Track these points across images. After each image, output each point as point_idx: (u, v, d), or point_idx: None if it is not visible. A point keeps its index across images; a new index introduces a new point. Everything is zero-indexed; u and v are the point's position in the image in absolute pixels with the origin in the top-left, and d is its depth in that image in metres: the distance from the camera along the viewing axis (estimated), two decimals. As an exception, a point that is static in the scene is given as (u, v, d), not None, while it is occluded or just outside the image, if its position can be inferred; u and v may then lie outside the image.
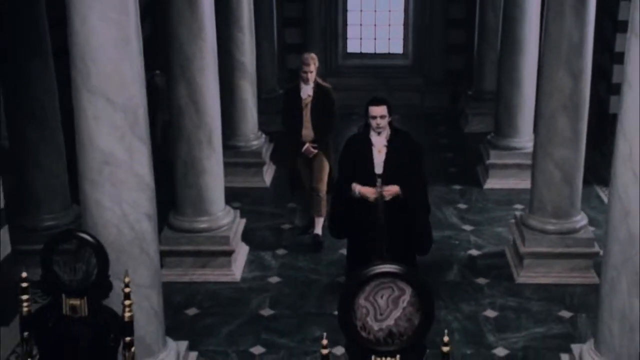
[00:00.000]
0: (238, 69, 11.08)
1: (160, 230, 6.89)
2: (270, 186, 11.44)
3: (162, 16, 8.72)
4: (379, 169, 7.53)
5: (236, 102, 11.16)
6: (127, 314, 4.84)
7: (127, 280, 4.82)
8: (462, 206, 10.71)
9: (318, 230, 9.55)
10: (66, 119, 8.39)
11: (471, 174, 11.75)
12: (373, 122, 7.50)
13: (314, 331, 7.69)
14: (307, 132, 9.48)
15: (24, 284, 4.85)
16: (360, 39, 15.80)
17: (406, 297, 4.16)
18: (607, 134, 11.28)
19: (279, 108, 10.47)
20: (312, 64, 9.37)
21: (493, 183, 11.27)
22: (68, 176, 8.84)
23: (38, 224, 8.61)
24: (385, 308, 4.14)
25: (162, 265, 6.67)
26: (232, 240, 8.76)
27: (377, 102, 7.54)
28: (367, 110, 7.56)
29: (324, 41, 15.23)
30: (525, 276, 8.65)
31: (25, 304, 4.87)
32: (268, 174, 11.62)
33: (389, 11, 15.67)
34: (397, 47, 15.78)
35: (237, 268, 8.89)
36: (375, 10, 15.67)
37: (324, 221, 9.41)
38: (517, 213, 9.34)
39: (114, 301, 5.17)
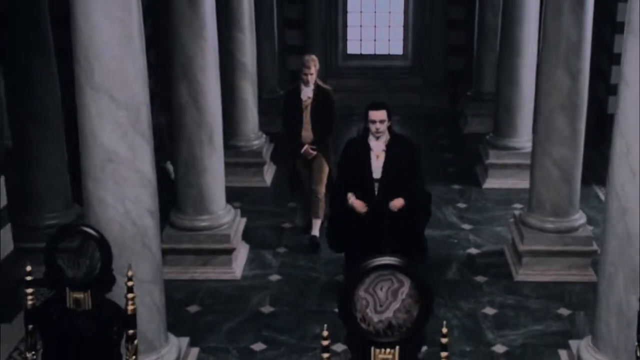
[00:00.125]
0: (239, 69, 11.14)
1: (161, 228, 6.95)
2: (270, 186, 11.50)
3: (163, 16, 8.79)
4: (377, 173, 7.55)
5: (237, 102, 11.23)
6: (130, 307, 4.90)
7: (130, 273, 4.88)
8: (462, 205, 10.77)
9: (315, 231, 9.59)
10: (68, 119, 8.48)
11: (470, 174, 11.81)
12: (372, 127, 7.51)
13: (314, 328, 7.74)
14: (307, 133, 9.52)
15: (29, 278, 4.90)
16: (360, 40, 15.85)
17: (405, 289, 4.22)
18: (606, 134, 11.33)
19: (279, 109, 10.54)
20: (313, 66, 9.40)
21: (492, 183, 11.32)
22: (69, 175, 8.94)
23: (40, 222, 8.67)
24: (385, 300, 4.20)
25: (163, 263, 6.72)
26: (233, 239, 8.82)
27: (377, 107, 7.55)
28: (366, 114, 7.57)
29: (324, 42, 15.28)
30: (524, 274, 8.70)
31: (29, 297, 4.92)
32: (268, 174, 11.67)
33: (389, 13, 15.73)
34: (397, 49, 15.84)
35: (238, 266, 8.95)
36: (375, 12, 15.73)
37: (322, 223, 9.49)
38: (516, 212, 9.40)
39: (116, 296, 5.23)
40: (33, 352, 5.02)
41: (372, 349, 4.22)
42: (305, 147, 9.48)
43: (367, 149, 7.57)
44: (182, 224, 8.76)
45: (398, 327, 4.21)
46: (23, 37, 8.39)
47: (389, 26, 15.76)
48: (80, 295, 4.96)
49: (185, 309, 8.18)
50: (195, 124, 8.46)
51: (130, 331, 4.96)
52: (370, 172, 7.55)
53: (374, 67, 15.67)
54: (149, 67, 6.21)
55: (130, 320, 4.93)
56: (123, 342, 5.04)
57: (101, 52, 5.67)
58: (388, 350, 4.22)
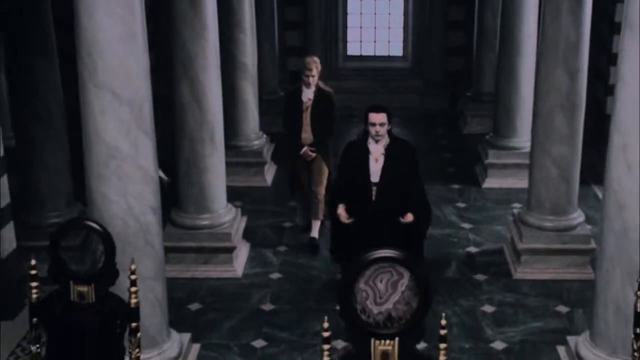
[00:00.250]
0: (239, 70, 11.21)
1: (163, 227, 7.01)
2: (271, 185, 11.55)
3: (164, 16, 8.86)
4: (375, 177, 7.49)
5: (238, 103, 11.30)
6: (133, 301, 4.95)
7: (133, 267, 4.93)
8: (461, 205, 10.83)
9: (314, 233, 9.62)
10: (70, 118, 8.55)
11: (470, 174, 11.86)
12: (372, 129, 7.46)
13: (314, 325, 7.79)
14: (307, 135, 9.55)
15: (33, 271, 4.96)
16: (360, 41, 15.89)
17: (405, 282, 4.28)
18: (605, 134, 11.37)
19: (280, 110, 10.59)
20: (315, 67, 9.41)
21: (491, 182, 11.38)
22: (71, 174, 9.00)
23: (42, 221, 8.73)
24: (385, 292, 4.26)
25: (164, 262, 6.78)
26: (234, 237, 8.88)
27: (377, 109, 7.48)
28: (366, 117, 7.52)
29: (324, 44, 15.32)
30: (523, 272, 8.76)
31: (34, 290, 4.98)
32: (269, 174, 11.73)
33: (389, 14, 15.77)
34: (397, 50, 15.88)
35: (239, 264, 9.01)
36: (375, 13, 15.77)
37: (322, 224, 9.55)
38: (515, 210, 9.45)
39: (119, 291, 5.28)
40: (37, 345, 5.07)
41: (372, 340, 4.28)
42: (305, 148, 9.52)
43: (366, 152, 7.53)
44: (183, 223, 8.82)
45: (397, 318, 4.27)
46: (26, 37, 8.44)
47: (389, 28, 15.81)
48: (84, 289, 5.01)
49: (186, 307, 8.24)
50: (197, 123, 8.52)
51: (134, 324, 5.01)
52: (369, 176, 7.50)
53: (374, 68, 15.72)
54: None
55: (134, 314, 4.98)
56: (126, 335, 5.09)
57: (104, 50, 5.74)
58: (388, 341, 4.28)
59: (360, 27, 15.85)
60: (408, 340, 4.35)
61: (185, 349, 7.02)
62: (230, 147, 10.89)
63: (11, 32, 8.51)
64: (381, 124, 7.44)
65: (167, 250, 8.41)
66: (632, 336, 4.81)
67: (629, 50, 5.85)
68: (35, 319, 5.03)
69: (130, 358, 5.04)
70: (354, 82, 15.23)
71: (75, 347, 5.06)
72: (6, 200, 7.87)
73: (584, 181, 9.72)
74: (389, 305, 4.26)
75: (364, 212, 7.51)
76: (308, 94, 9.50)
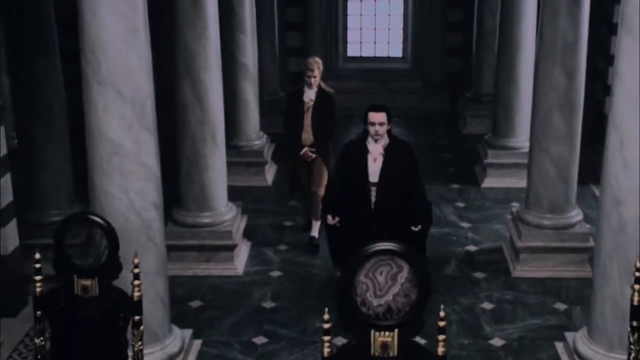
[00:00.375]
0: (240, 70, 11.27)
1: (164, 225, 7.06)
2: (272, 185, 11.61)
3: (166, 16, 8.92)
4: (373, 177, 7.50)
5: (238, 103, 11.36)
6: (136, 294, 5.01)
7: (136, 261, 4.99)
8: (461, 204, 10.88)
9: (315, 232, 9.66)
10: (72, 118, 8.61)
11: (469, 174, 11.92)
12: (371, 129, 7.45)
13: (314, 323, 7.85)
14: (307, 135, 9.59)
15: (37, 265, 5.01)
16: (360, 42, 15.96)
17: (404, 274, 4.33)
18: (603, 134, 11.42)
19: (280, 110, 10.65)
20: (317, 68, 9.43)
21: (491, 182, 11.43)
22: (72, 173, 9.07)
23: (44, 219, 8.79)
24: (384, 284, 4.30)
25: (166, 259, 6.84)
26: (235, 235, 8.94)
27: (377, 109, 7.48)
28: (365, 116, 7.51)
29: (325, 45, 15.38)
30: (522, 270, 8.82)
31: (38, 284, 5.04)
32: (270, 173, 11.79)
33: (389, 15, 15.84)
34: (397, 51, 15.95)
35: (240, 262, 9.07)
36: (375, 15, 15.84)
37: (322, 224, 9.60)
38: (514, 209, 9.50)
39: (122, 285, 5.34)
40: (42, 338, 5.14)
41: (372, 332, 4.33)
42: (305, 149, 9.56)
43: (365, 151, 7.52)
44: (184, 221, 8.88)
45: (397, 310, 4.32)
46: (28, 36, 8.50)
47: (389, 29, 15.88)
48: (87, 282, 5.06)
49: (188, 304, 8.30)
50: (199, 122, 8.58)
51: (136, 317, 5.07)
52: (367, 175, 7.50)
53: (374, 69, 15.78)
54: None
55: (136, 307, 5.04)
56: (129, 328, 5.15)
57: (108, 48, 5.81)
58: (387, 333, 4.32)
59: (360, 29, 15.92)
60: (408, 331, 4.40)
61: (187, 345, 7.08)
62: (231, 147, 10.93)
63: (13, 31, 8.56)
64: (381, 124, 7.44)
65: (169, 248, 8.43)
66: (629, 329, 4.85)
67: (626, 50, 5.91)
68: (39, 312, 5.09)
69: (133, 351, 5.11)
70: (354, 82, 15.28)
71: (79, 340, 5.11)
72: (9, 198, 7.93)
73: (583, 181, 9.78)
74: (388, 297, 4.30)
75: (363, 213, 7.52)
76: (310, 95, 9.53)
